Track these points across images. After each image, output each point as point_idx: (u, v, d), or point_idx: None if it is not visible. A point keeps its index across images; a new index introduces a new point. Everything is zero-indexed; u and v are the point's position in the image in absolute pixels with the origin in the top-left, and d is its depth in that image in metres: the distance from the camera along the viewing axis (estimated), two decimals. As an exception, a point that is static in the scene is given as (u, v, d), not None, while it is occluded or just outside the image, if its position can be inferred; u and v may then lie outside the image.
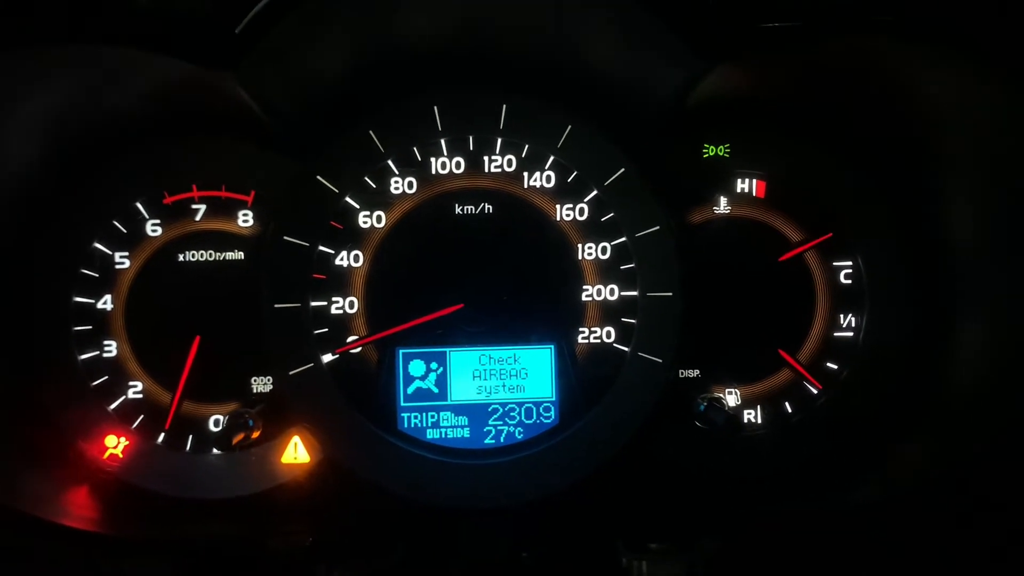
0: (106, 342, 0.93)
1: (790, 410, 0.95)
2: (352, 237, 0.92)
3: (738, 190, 0.97)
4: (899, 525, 0.82)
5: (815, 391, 0.95)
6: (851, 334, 0.96)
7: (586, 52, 0.83)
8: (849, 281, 0.96)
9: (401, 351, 0.94)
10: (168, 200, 0.93)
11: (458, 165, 0.93)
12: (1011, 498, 0.78)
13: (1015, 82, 0.75)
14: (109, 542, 0.83)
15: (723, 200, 0.96)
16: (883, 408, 0.94)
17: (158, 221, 0.92)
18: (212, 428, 0.92)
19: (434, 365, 0.95)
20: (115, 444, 0.92)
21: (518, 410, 0.95)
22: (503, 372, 0.95)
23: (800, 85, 0.90)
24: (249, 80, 0.77)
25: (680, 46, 0.75)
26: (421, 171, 0.93)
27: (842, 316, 0.96)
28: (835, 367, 0.95)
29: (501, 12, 0.82)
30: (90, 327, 0.92)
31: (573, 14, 0.79)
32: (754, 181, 0.97)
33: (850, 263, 0.96)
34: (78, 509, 0.85)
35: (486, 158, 0.93)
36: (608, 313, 0.94)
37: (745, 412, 0.95)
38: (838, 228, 0.95)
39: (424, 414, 0.94)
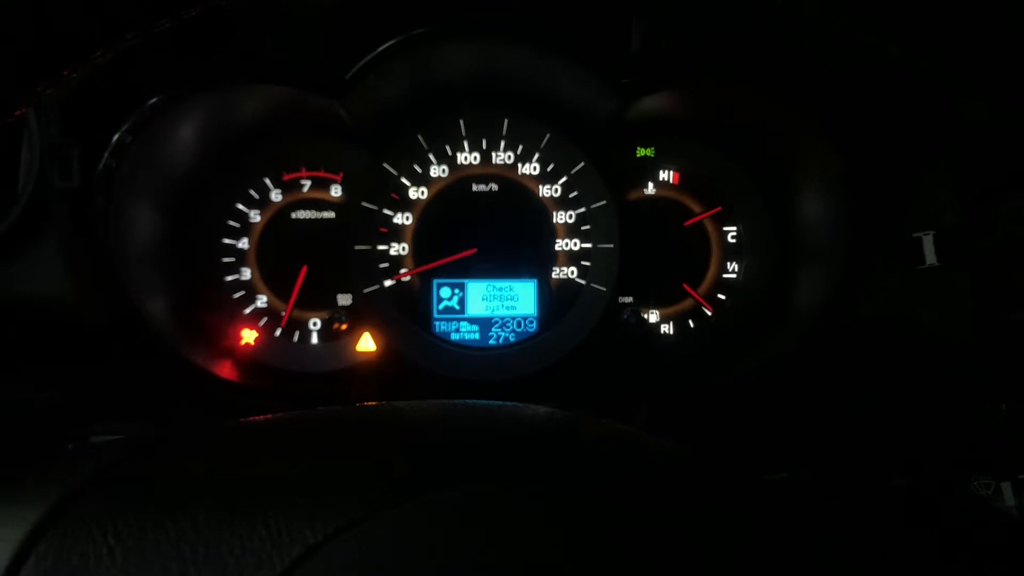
0: (243, 269, 1.16)
1: (692, 325, 1.20)
2: (405, 204, 1.16)
3: (660, 179, 1.20)
4: (759, 392, 1.05)
5: (709, 313, 1.20)
6: (735, 276, 1.20)
7: (558, 88, 1.07)
8: (734, 240, 1.20)
9: (435, 280, 1.18)
10: (286, 177, 1.16)
11: (475, 158, 1.17)
12: (827, 373, 1.02)
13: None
14: (245, 390, 1.07)
15: (650, 185, 1.20)
16: (753, 322, 1.18)
17: (279, 191, 1.16)
18: (311, 327, 1.16)
19: (457, 291, 1.18)
20: (248, 336, 1.15)
21: (511, 322, 1.18)
22: (502, 296, 1.18)
23: (700, 112, 1.12)
24: (347, 103, 1.02)
25: (608, 88, 1.00)
26: (451, 162, 1.16)
27: (728, 264, 1.20)
28: (723, 297, 1.20)
29: (503, 66, 1.06)
30: (233, 259, 1.15)
31: (546, 70, 1.03)
32: (671, 172, 1.19)
33: (735, 228, 1.20)
34: (226, 372, 1.09)
35: (493, 154, 1.17)
36: (572, 258, 1.18)
37: (662, 326, 1.20)
38: (726, 204, 1.19)
39: (449, 323, 1.18)
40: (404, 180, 1.17)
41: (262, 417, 0.46)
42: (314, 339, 1.18)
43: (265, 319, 1.18)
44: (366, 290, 1.15)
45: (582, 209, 1.17)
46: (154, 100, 0.93)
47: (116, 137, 0.93)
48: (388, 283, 1.17)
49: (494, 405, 0.47)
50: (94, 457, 0.42)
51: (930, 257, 0.91)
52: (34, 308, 0.99)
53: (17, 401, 1.02)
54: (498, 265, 1.19)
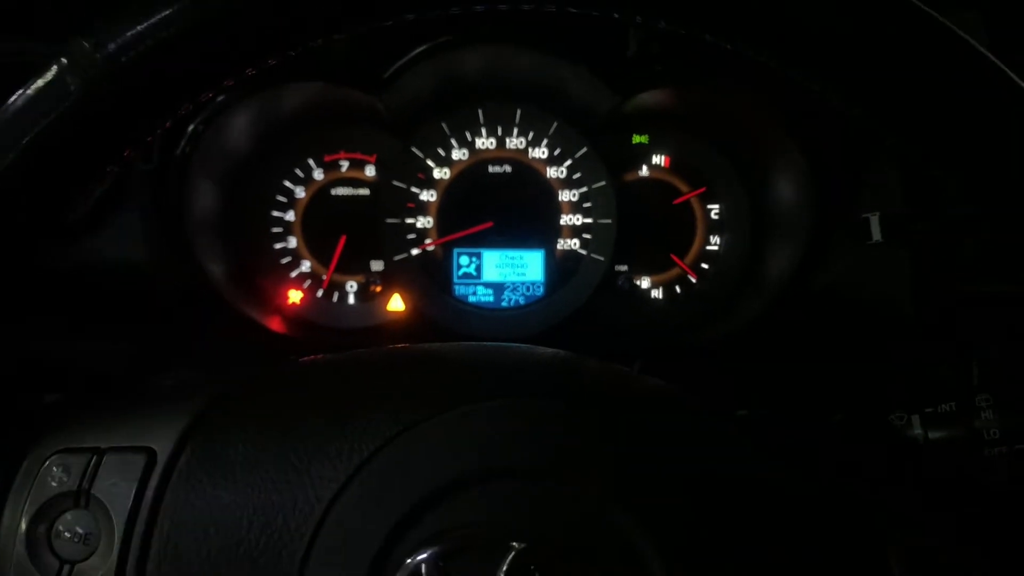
0: (289, 238, 1.27)
1: (679, 291, 1.30)
2: (430, 183, 1.27)
3: (653, 163, 1.29)
4: (733, 347, 1.18)
5: (694, 280, 1.30)
6: (716, 248, 1.30)
7: (564, 85, 1.19)
8: (716, 217, 1.29)
9: (455, 250, 1.28)
10: (327, 158, 1.26)
11: (491, 143, 1.26)
12: (790, 329, 1.15)
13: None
14: (293, 342, 1.20)
15: (644, 168, 1.29)
16: (731, 289, 1.29)
17: (321, 170, 1.26)
18: (348, 289, 1.28)
19: (474, 259, 1.29)
20: (295, 296, 1.27)
21: (521, 287, 1.29)
22: (513, 264, 1.29)
23: (687, 107, 1.24)
24: (383, 98, 1.15)
25: (607, 86, 1.13)
26: (470, 146, 1.26)
27: (711, 237, 1.30)
28: (706, 267, 1.30)
29: (516, 67, 1.18)
30: (281, 230, 1.26)
31: (553, 70, 1.15)
32: (663, 157, 1.29)
33: (717, 206, 1.30)
34: (276, 326, 1.21)
35: (507, 140, 1.26)
36: (574, 231, 1.28)
37: (652, 291, 1.30)
38: (710, 186, 1.29)
39: (467, 287, 1.29)
40: (430, 162, 1.28)
41: (343, 353, 0.60)
42: (351, 299, 1.30)
43: (309, 282, 1.30)
44: (396, 258, 1.27)
45: (584, 189, 1.28)
46: (222, 97, 1.06)
47: (191, 128, 1.06)
48: (415, 252, 1.28)
49: (515, 344, 0.62)
50: (226, 378, 0.56)
51: (876, 234, 1.04)
52: (115, 272, 1.13)
53: (96, 352, 1.15)
54: (510, 237, 1.30)
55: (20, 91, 0.50)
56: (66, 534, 0.48)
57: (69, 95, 0.49)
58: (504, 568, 0.44)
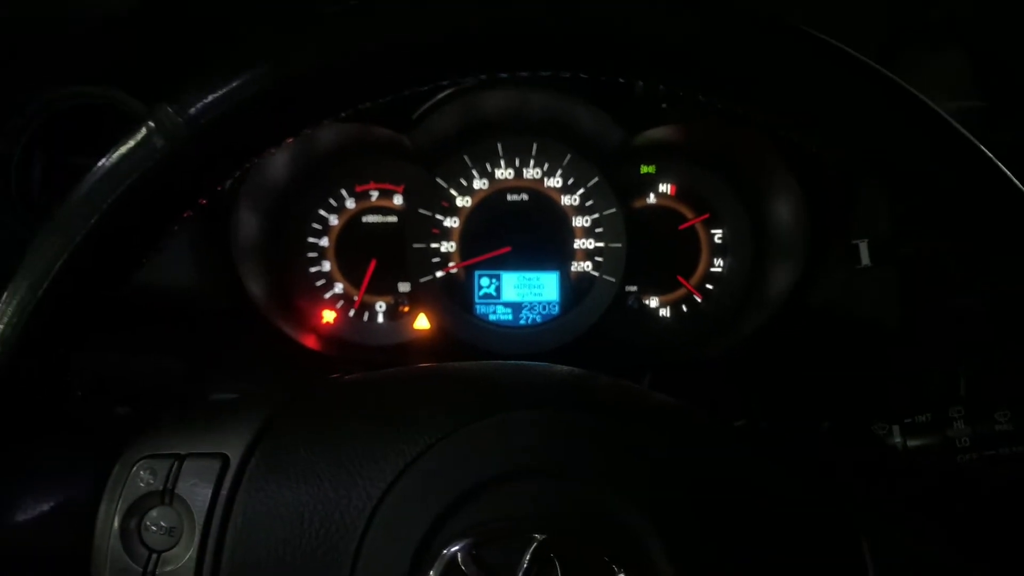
0: (324, 262, 1.33)
1: (685, 309, 1.35)
2: (453, 211, 1.33)
3: (660, 191, 1.34)
4: (735, 362, 1.23)
5: (699, 300, 1.35)
6: (720, 269, 1.35)
7: (577, 121, 1.25)
8: (720, 241, 1.35)
9: (477, 272, 1.34)
10: (358, 188, 1.33)
11: (510, 174, 1.32)
12: (787, 345, 1.21)
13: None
14: (327, 358, 1.27)
15: (652, 196, 1.34)
16: (733, 308, 1.33)
17: (352, 200, 1.33)
18: (378, 309, 1.34)
19: (494, 281, 1.34)
20: (328, 316, 1.33)
21: (538, 306, 1.34)
22: (530, 285, 1.34)
23: (692, 140, 1.29)
24: (411, 135, 1.22)
25: (616, 123, 1.20)
26: (490, 177, 1.32)
27: (715, 260, 1.35)
28: (711, 287, 1.35)
29: (533, 105, 1.24)
30: (316, 255, 1.32)
31: (567, 108, 1.23)
32: (670, 185, 1.35)
33: (721, 231, 1.35)
34: (311, 343, 1.27)
35: (524, 170, 1.32)
36: (587, 254, 1.33)
37: (660, 310, 1.35)
38: (714, 212, 1.34)
39: (488, 306, 1.35)
40: (453, 191, 1.34)
41: (388, 370, 0.67)
42: (380, 319, 1.36)
43: (341, 302, 1.36)
44: (422, 280, 1.33)
45: (596, 215, 1.34)
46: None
47: (239, 165, 1.13)
48: (439, 274, 1.34)
49: (536, 363, 0.68)
50: (286, 394, 0.63)
51: (865, 259, 1.10)
52: (167, 293, 1.20)
53: (148, 367, 1.23)
54: (528, 260, 1.35)
55: (113, 150, 0.57)
56: (153, 528, 0.53)
57: (156, 153, 0.56)
58: (528, 556, 0.50)
